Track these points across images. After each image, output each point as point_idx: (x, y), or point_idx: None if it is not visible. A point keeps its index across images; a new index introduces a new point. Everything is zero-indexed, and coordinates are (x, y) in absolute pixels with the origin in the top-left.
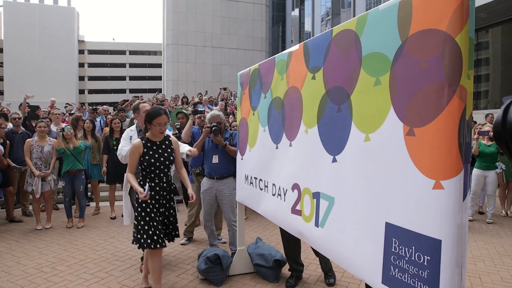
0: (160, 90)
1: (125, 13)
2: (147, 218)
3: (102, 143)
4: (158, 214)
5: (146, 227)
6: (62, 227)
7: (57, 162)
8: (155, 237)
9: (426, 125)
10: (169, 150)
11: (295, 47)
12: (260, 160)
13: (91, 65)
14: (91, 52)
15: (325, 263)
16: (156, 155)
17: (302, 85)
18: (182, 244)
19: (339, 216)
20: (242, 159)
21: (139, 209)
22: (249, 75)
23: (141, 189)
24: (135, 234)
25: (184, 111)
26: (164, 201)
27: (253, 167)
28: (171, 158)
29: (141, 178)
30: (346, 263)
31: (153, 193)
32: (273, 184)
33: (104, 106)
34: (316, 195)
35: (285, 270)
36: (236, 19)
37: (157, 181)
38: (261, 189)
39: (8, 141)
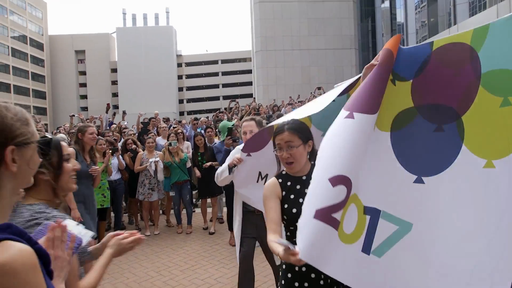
0: (252, 95)
1: (216, 25)
2: None
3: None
4: None
5: None
6: (173, 232)
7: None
8: None
9: None
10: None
11: None
12: None
13: (188, 76)
14: (188, 64)
15: None
16: (301, 200)
17: None
18: None
19: (421, 249)
20: None
21: None
22: None
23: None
24: None
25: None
26: None
27: None
28: None
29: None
30: None
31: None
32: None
33: (203, 118)
34: (372, 212)
35: None
36: (322, 20)
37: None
38: None
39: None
